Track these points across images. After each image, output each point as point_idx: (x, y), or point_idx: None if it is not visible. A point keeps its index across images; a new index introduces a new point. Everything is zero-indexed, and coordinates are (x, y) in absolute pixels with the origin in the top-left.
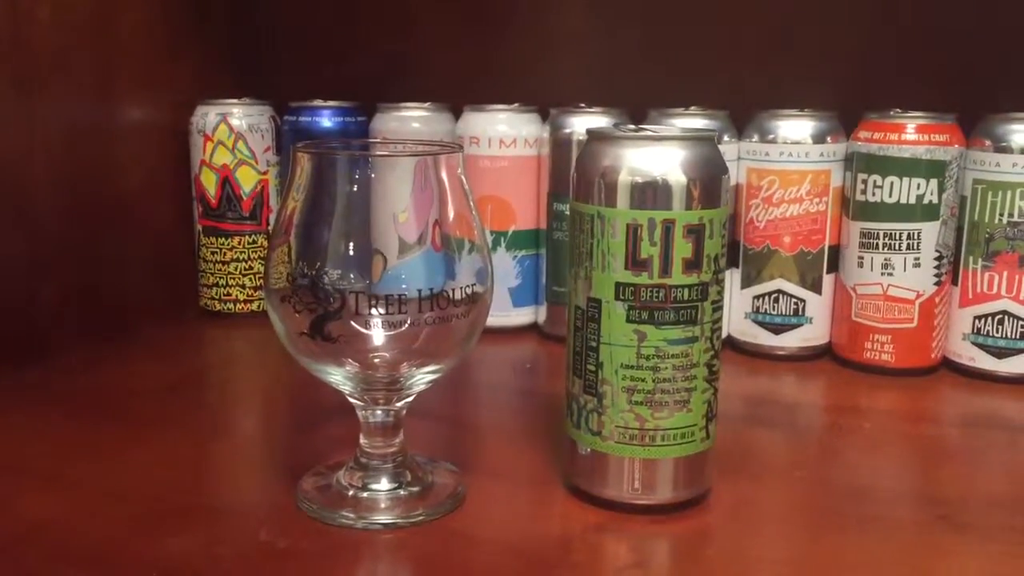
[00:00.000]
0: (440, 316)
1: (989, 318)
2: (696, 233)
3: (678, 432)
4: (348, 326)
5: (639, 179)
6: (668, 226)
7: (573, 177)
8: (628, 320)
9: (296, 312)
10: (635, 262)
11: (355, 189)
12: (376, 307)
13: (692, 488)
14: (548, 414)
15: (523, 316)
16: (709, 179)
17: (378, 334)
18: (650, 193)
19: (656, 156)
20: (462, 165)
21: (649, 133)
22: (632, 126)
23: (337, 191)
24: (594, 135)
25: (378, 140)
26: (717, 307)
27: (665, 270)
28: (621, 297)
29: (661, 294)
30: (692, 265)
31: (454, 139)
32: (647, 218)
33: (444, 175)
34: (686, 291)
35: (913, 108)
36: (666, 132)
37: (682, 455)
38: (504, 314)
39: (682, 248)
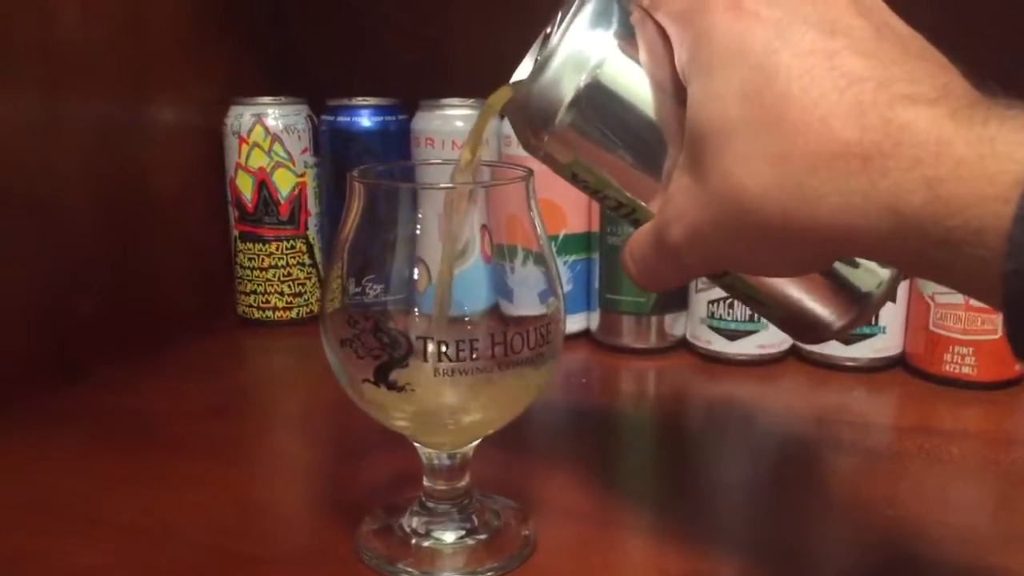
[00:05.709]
0: (513, 360)
1: None
2: None
3: None
4: (414, 373)
5: None
6: None
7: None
8: None
9: (359, 358)
10: None
11: (414, 216)
12: (445, 353)
13: None
14: (607, 437)
15: (575, 324)
16: None
17: (446, 380)
18: None
19: None
20: (532, 193)
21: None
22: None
23: (399, 221)
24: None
25: (435, 162)
26: None
27: None
28: None
29: None
30: None
31: (499, 138)
32: None
33: (512, 206)
34: None
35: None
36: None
37: None
38: None
39: None
